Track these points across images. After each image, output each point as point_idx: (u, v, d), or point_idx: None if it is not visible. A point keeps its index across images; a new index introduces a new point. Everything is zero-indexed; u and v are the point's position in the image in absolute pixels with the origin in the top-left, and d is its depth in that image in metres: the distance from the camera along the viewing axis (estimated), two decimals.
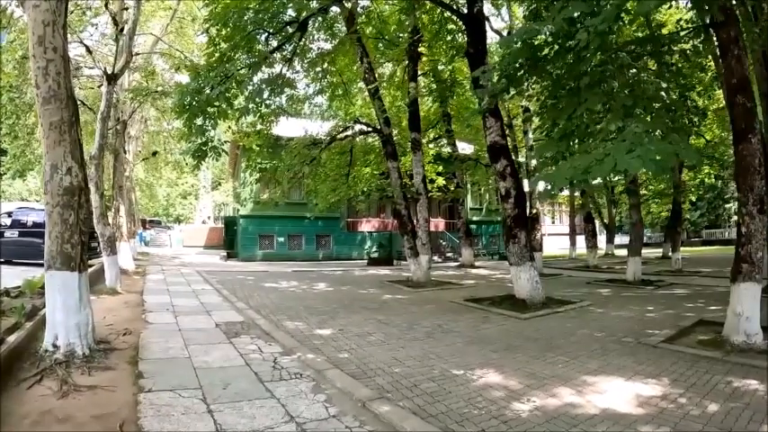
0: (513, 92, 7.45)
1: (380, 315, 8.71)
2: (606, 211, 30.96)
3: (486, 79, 9.87)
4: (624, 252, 32.39)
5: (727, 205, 47.78)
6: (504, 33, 20.05)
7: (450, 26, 14.73)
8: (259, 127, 14.37)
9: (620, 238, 36.58)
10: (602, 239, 30.16)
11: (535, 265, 10.10)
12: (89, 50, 12.90)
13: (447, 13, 13.83)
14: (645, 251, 25.03)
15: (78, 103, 16.12)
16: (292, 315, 8.49)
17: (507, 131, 27.55)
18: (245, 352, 5.74)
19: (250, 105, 10.87)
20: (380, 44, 17.07)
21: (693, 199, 38.15)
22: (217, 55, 10.27)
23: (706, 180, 30.76)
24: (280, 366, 5.21)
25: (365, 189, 20.91)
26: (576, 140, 6.28)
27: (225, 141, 14.25)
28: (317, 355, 5.72)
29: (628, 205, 35.70)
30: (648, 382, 4.74)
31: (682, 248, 29.71)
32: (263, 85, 10.66)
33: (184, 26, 19.68)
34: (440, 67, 19.19)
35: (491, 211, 35.80)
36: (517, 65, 6.21)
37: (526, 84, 7.51)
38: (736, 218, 40.22)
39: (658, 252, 28.43)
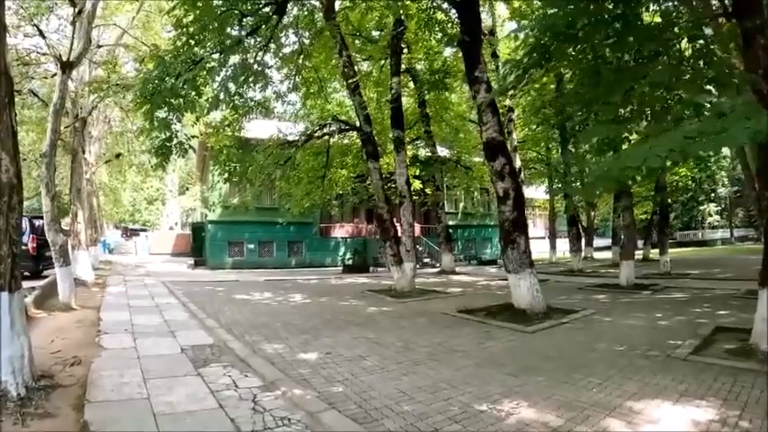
0: (541, 70, 6.50)
1: (369, 332, 7.74)
2: (585, 215, 30.66)
3: (481, 70, 9.14)
4: (603, 255, 32.78)
5: (701, 207, 48.33)
6: (486, 32, 19.52)
7: (440, 16, 13.93)
8: (230, 120, 13.32)
9: (597, 242, 36.38)
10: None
11: (535, 273, 9.32)
12: (42, 34, 11.65)
13: (437, 1, 13.04)
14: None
15: (30, 93, 14.96)
16: (269, 335, 7.43)
17: None
18: (218, 387, 4.69)
19: (221, 95, 9.78)
20: (357, 41, 16.30)
21: (669, 201, 38.30)
22: (184, 38, 9.15)
23: (681, 183, 30.80)
24: (262, 408, 4.17)
25: (341, 192, 20.04)
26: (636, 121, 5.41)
27: (193, 137, 13.11)
28: (306, 389, 4.70)
29: (604, 209, 36.27)
30: (699, 405, 4.21)
31: (654, 250, 29.71)
32: (238, 70, 9.54)
33: (151, 20, 18.51)
34: (421, 64, 18.56)
35: (467, 215, 35.32)
36: (552, 34, 5.29)
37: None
38: (710, 220, 41.07)
39: (638, 254, 28.16)
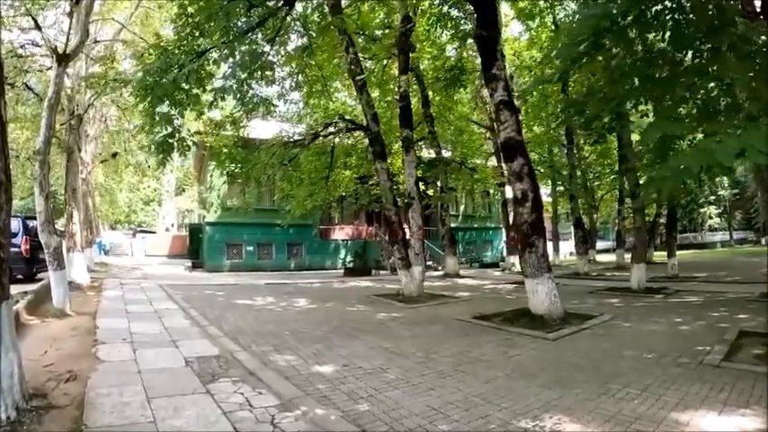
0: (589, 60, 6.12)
1: (384, 341, 7.29)
2: (587, 217, 30.41)
3: (498, 67, 8.77)
4: (603, 258, 32.55)
5: (701, 209, 48.14)
6: None
7: (453, 12, 13.56)
8: (233, 118, 12.85)
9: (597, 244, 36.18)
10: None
11: (553, 277, 8.90)
12: (38, 25, 11.15)
13: None
14: (626, 256, 24.58)
15: (24, 87, 14.46)
16: (279, 344, 6.95)
17: (489, 135, 26.87)
18: (230, 407, 4.19)
19: (227, 84, 9.28)
20: (360, 39, 15.95)
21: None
22: (188, 29, 8.66)
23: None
24: None
25: (344, 193, 19.64)
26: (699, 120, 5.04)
27: (196, 133, 12.63)
28: (328, 408, 4.24)
29: (605, 211, 36.02)
30: (745, 414, 4.05)
31: (657, 253, 29.49)
32: (246, 58, 9.01)
33: (150, 16, 18.08)
34: (425, 63, 18.21)
35: (467, 218, 34.99)
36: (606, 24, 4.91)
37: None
38: (710, 222, 41.08)
39: None
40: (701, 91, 5.02)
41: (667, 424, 3.87)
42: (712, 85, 4.92)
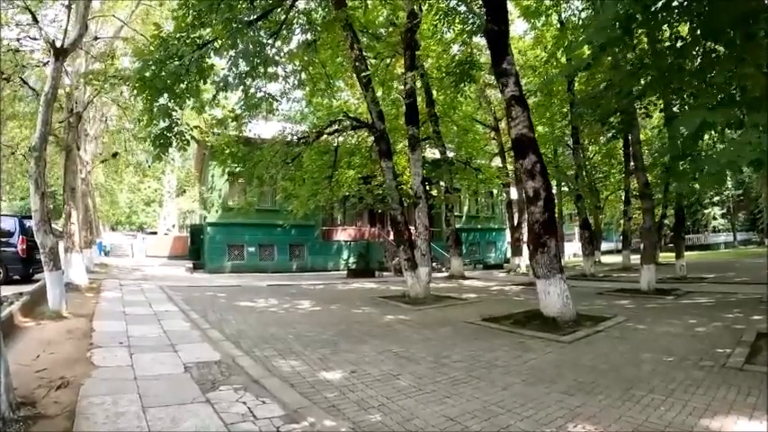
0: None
1: (393, 344, 7.00)
2: (593, 218, 30.17)
3: (509, 62, 8.53)
4: (610, 259, 32.27)
5: (705, 210, 47.74)
6: None
7: (461, 7, 13.30)
8: (236, 114, 12.55)
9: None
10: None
11: (565, 278, 8.62)
12: (35, 19, 10.89)
13: None
14: (633, 257, 24.35)
15: (21, 82, 14.21)
16: (283, 349, 6.66)
17: (494, 135, 26.62)
18: (232, 418, 3.88)
19: (230, 78, 8.96)
20: (364, 38, 15.72)
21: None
22: (189, 18, 8.35)
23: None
24: None
25: (348, 193, 19.38)
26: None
27: (195, 127, 12.31)
28: (337, 419, 3.94)
29: (609, 212, 35.75)
30: None
31: (662, 254, 29.18)
32: (250, 48, 8.68)
33: (151, 14, 17.85)
34: (429, 62, 17.98)
35: (471, 218, 34.76)
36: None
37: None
38: (714, 223, 40.80)
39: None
40: (739, 79, 4.78)
41: (699, 431, 3.70)
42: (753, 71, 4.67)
